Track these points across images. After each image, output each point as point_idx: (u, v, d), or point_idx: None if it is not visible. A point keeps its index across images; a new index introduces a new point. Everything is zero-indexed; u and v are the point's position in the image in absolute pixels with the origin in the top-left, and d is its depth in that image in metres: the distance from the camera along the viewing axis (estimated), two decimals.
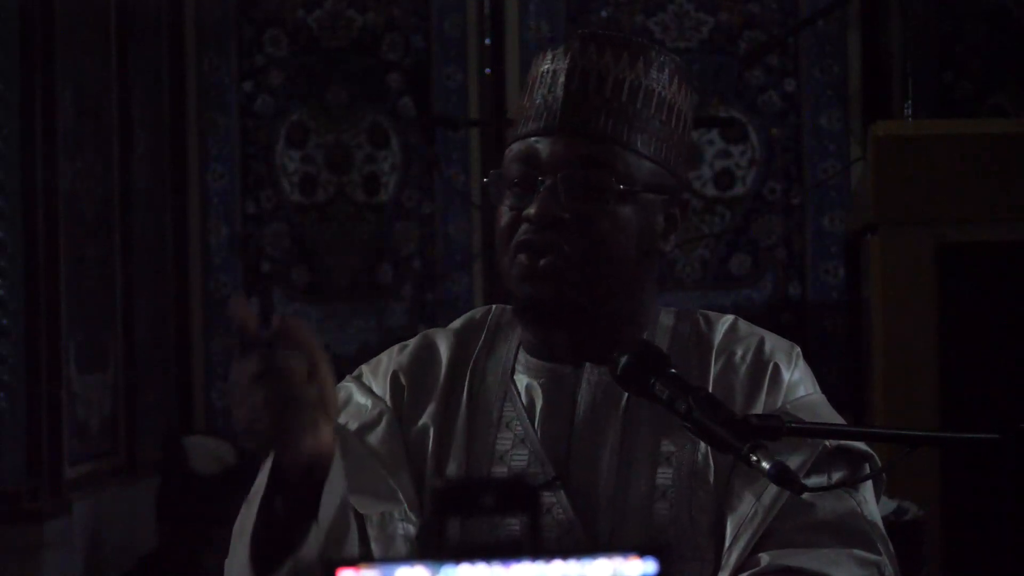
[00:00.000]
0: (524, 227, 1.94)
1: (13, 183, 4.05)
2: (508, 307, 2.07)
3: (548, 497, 1.93)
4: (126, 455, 4.67)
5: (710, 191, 5.06)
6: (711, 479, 1.93)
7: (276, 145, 5.14)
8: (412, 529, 1.93)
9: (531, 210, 1.93)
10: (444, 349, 2.05)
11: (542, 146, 1.95)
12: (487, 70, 5.06)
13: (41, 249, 4.10)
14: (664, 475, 1.94)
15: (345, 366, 2.07)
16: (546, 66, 1.99)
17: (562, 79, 1.96)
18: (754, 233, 5.06)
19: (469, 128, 5.00)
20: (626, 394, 1.95)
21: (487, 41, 5.08)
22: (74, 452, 4.25)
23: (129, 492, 4.62)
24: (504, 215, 1.97)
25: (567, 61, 1.97)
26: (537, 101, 1.97)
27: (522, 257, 1.94)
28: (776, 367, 1.98)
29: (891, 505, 2.43)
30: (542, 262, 1.93)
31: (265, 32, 5.13)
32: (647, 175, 1.96)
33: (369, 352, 2.21)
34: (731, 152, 5.07)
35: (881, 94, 4.95)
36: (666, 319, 2.04)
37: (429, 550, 1.09)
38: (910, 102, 3.72)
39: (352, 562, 1.05)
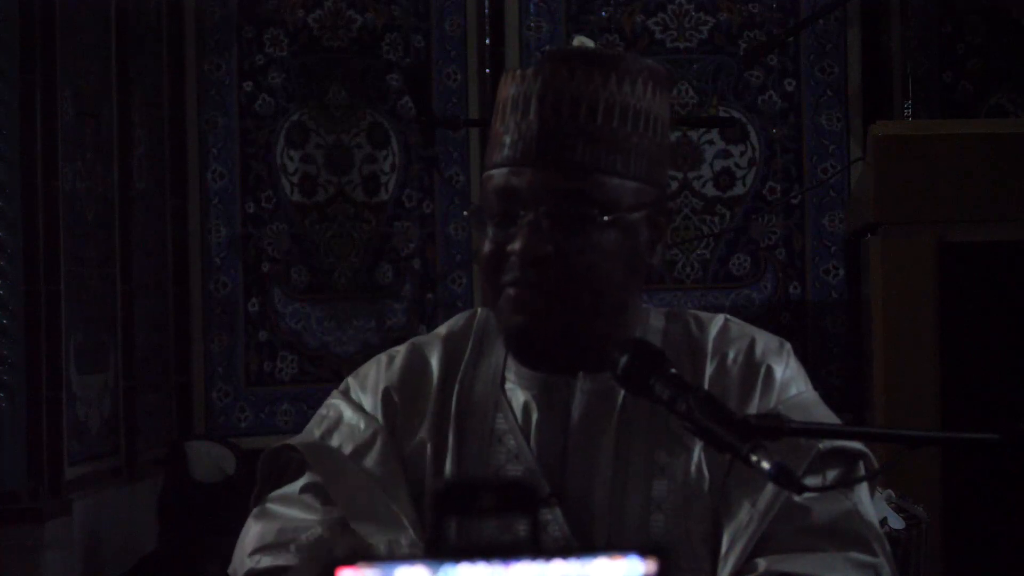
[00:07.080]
0: (510, 262, 1.89)
1: (13, 183, 4.05)
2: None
3: (544, 514, 1.90)
4: (126, 455, 4.66)
5: (710, 191, 5.06)
6: (705, 489, 1.91)
7: (276, 145, 5.13)
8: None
9: (515, 246, 1.88)
10: (435, 360, 2.01)
11: (519, 180, 1.89)
12: (487, 70, 5.06)
13: (41, 249, 4.09)
14: (659, 486, 1.92)
15: (345, 366, 2.06)
16: (515, 89, 1.93)
17: (534, 105, 1.90)
18: (754, 233, 5.05)
19: (469, 128, 4.99)
20: (620, 404, 1.93)
21: (487, 41, 5.07)
22: (74, 452, 4.24)
23: (129, 492, 4.61)
24: (487, 247, 1.92)
25: (539, 85, 1.90)
26: (511, 127, 1.92)
27: (510, 291, 1.90)
28: (769, 368, 1.96)
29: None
30: (530, 297, 1.88)
31: (265, 32, 5.13)
32: (630, 195, 1.90)
33: (369, 352, 2.20)
34: (731, 152, 5.07)
35: (881, 94, 4.95)
36: (656, 321, 2.01)
37: (429, 550, 1.09)
38: (910, 102, 3.73)
39: (352, 561, 1.05)
